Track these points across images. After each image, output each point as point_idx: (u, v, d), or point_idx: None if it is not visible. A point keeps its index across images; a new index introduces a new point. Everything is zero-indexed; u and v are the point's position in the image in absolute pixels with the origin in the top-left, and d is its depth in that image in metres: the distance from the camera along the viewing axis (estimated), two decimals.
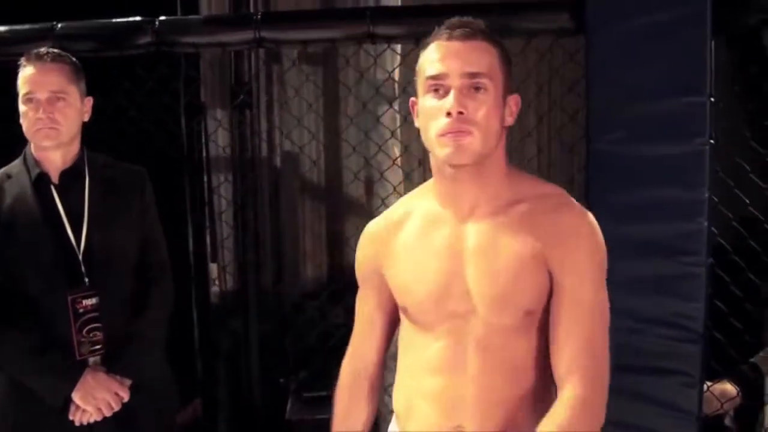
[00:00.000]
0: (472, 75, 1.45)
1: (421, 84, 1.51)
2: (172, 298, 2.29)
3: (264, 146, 3.58)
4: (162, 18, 2.63)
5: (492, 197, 1.53)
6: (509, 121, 1.53)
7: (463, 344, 1.53)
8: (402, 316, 1.64)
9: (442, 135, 1.45)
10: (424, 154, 3.40)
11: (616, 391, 2.41)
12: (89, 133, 2.25)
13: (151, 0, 2.78)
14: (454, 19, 1.52)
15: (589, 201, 2.49)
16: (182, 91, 3.41)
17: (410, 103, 1.57)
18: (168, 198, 3.23)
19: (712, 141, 2.24)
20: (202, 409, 3.42)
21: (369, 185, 3.63)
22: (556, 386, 1.52)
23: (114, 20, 2.69)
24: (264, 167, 3.63)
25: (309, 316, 3.47)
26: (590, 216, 1.55)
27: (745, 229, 2.51)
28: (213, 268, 3.63)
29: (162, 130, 3.30)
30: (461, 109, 1.44)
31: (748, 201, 2.41)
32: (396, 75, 3.14)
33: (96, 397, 2.07)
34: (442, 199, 1.57)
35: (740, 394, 2.60)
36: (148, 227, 2.25)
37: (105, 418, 2.09)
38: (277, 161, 3.71)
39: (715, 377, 2.56)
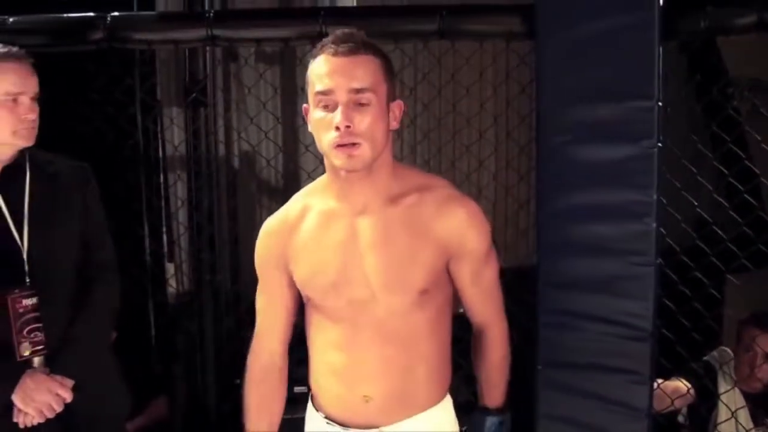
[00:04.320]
0: (358, 90, 1.58)
1: (311, 96, 1.63)
2: (115, 297, 2.24)
3: (220, 145, 3.54)
4: (114, 14, 2.60)
5: (382, 192, 1.69)
6: (394, 125, 1.68)
7: (362, 325, 1.70)
8: (306, 303, 1.80)
9: (334, 147, 1.58)
10: None
11: (566, 388, 2.48)
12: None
13: None
14: (339, 32, 1.63)
15: (539, 201, 2.52)
16: (137, 88, 3.37)
17: (303, 110, 1.69)
18: (123, 197, 3.22)
19: (660, 144, 2.28)
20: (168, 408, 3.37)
21: None
22: (449, 350, 1.83)
23: (66, 15, 2.65)
24: (220, 166, 3.60)
25: None
26: (473, 202, 1.75)
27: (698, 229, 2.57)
28: (170, 268, 3.60)
29: (116, 128, 3.26)
30: (348, 123, 1.56)
31: (696, 203, 2.45)
32: None
33: (35, 399, 2.02)
34: (337, 195, 1.70)
35: (693, 391, 2.66)
36: (91, 225, 2.20)
37: (50, 422, 2.04)
38: (234, 160, 3.69)
39: (669, 375, 2.62)
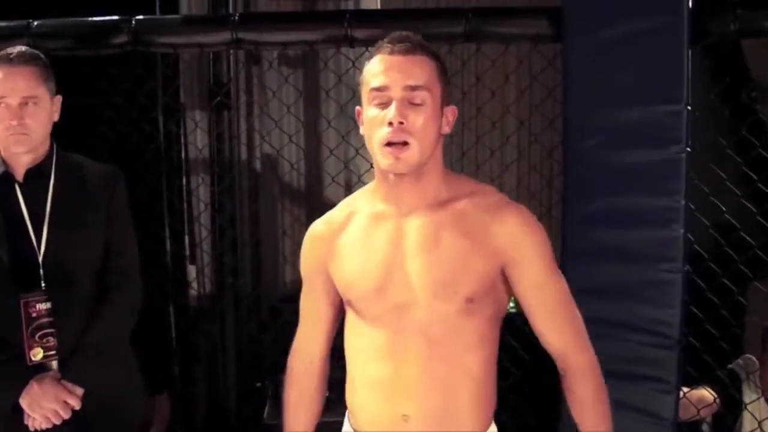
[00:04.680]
0: (412, 88, 1.55)
1: (365, 95, 1.60)
2: (134, 305, 2.20)
3: (243, 148, 3.55)
4: (138, 17, 2.60)
5: (431, 196, 1.64)
6: (446, 129, 1.63)
7: (405, 333, 1.62)
8: (347, 308, 1.73)
9: (385, 145, 1.55)
10: None
11: None
12: (65, 133, 2.19)
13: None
14: (396, 34, 1.61)
15: (566, 206, 2.50)
16: (159, 92, 3.38)
17: (356, 112, 1.65)
18: (145, 199, 3.23)
19: (688, 149, 2.25)
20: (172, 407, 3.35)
21: (348, 188, 3.62)
22: (495, 369, 1.69)
23: (90, 19, 2.65)
24: (242, 169, 3.60)
25: (285, 320, 3.44)
26: (526, 209, 1.67)
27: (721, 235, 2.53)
28: (191, 270, 3.60)
29: (138, 130, 3.27)
30: (402, 119, 1.53)
31: (724, 208, 2.42)
32: None
33: (42, 405, 1.99)
34: (385, 198, 1.66)
35: (718, 400, 2.62)
36: (115, 230, 2.16)
37: (58, 428, 2.02)
38: (257, 164, 3.70)
39: (693, 383, 2.58)
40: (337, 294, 1.74)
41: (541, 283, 1.64)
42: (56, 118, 2.13)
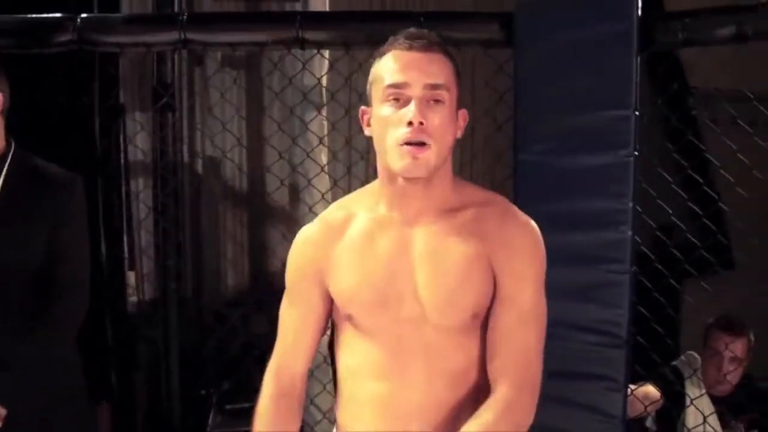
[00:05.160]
0: (433, 86, 1.46)
1: (377, 92, 1.50)
2: (73, 319, 2.06)
3: (185, 150, 3.49)
4: (84, 15, 2.52)
5: (439, 203, 1.54)
6: (458, 134, 1.54)
7: (409, 348, 1.53)
8: (343, 322, 1.60)
9: (401, 145, 1.45)
10: (352, 162, 3.45)
11: (541, 396, 2.48)
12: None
13: None
14: (412, 30, 1.53)
15: None
16: (97, 91, 3.30)
17: (360, 112, 1.55)
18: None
19: (636, 153, 2.31)
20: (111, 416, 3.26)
21: (294, 192, 3.60)
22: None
23: (34, 16, 2.56)
24: (185, 172, 3.54)
25: (231, 326, 3.40)
26: (533, 224, 1.57)
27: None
28: (131, 276, 3.52)
29: (80, 131, 3.19)
30: (422, 119, 1.44)
31: (671, 211, 2.50)
32: (324, 81, 3.12)
33: None
34: (389, 203, 1.55)
35: (663, 396, 2.70)
36: (62, 239, 2.02)
37: None
38: (199, 166, 3.64)
39: (639, 380, 2.65)
40: (328, 306, 1.62)
41: (510, 297, 1.52)
42: None
